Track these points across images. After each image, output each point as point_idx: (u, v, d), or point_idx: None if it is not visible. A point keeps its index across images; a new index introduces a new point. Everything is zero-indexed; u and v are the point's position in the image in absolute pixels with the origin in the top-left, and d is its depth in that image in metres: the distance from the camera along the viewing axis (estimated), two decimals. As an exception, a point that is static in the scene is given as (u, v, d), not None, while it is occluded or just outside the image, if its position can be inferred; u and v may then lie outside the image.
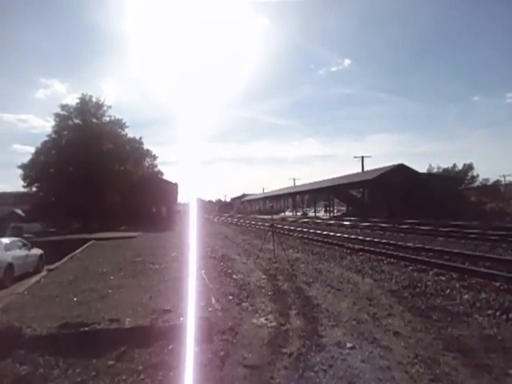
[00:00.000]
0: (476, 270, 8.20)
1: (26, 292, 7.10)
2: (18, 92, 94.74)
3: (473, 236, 15.28)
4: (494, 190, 48.21)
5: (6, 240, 12.03)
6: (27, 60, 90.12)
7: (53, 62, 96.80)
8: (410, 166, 39.75)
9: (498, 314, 5.36)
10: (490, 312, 5.47)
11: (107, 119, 37.71)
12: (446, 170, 56.12)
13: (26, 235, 21.48)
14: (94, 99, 36.84)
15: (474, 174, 55.68)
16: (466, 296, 6.39)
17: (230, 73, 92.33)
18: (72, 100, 74.34)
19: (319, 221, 34.91)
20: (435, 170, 56.18)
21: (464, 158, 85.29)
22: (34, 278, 8.95)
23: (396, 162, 40.05)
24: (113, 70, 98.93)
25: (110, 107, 37.57)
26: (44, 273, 10.05)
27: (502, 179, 56.84)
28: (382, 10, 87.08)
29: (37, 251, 13.71)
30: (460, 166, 56.54)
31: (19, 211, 42.54)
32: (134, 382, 3.50)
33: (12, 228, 27.25)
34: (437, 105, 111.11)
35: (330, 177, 52.97)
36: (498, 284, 6.99)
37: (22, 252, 12.37)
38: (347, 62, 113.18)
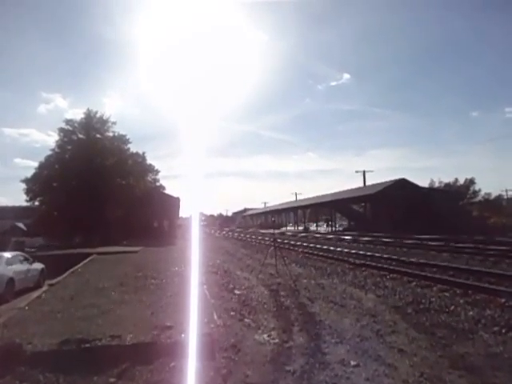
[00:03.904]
0: (480, 285, 8.13)
1: (26, 307, 7.06)
2: (20, 106, 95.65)
3: (476, 252, 15.19)
4: (496, 204, 48.15)
5: (7, 254, 12.02)
6: (29, 74, 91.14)
7: (55, 77, 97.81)
8: (412, 181, 39.85)
9: (503, 331, 5.29)
10: (495, 329, 5.39)
11: (111, 135, 38.05)
12: (447, 185, 56.17)
13: (27, 249, 21.45)
14: (98, 115, 37.29)
15: (476, 188, 55.81)
16: (471, 312, 6.32)
17: (230, 88, 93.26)
18: (73, 115, 75.43)
19: (321, 235, 34.79)
20: (437, 185, 56.24)
21: (465, 173, 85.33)
22: (35, 293, 8.91)
23: (397, 177, 40.16)
24: (115, 84, 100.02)
25: (114, 123, 37.95)
26: (45, 288, 10.02)
27: (504, 194, 56.83)
28: (380, 26, 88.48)
29: (38, 266, 13.66)
30: (462, 181, 56.69)
31: (21, 225, 42.56)
32: (135, 401, 3.45)
33: (14, 242, 27.23)
34: (437, 120, 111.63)
35: (331, 191, 53.03)
36: (503, 300, 6.91)
37: (24, 266, 12.33)
38: (346, 76, 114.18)
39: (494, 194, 54.82)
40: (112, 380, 3.86)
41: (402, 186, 38.04)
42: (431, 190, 46.03)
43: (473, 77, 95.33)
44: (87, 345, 4.59)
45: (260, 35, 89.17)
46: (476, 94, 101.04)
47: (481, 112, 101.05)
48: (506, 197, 56.62)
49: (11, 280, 10.87)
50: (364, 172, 51.08)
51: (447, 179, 57.83)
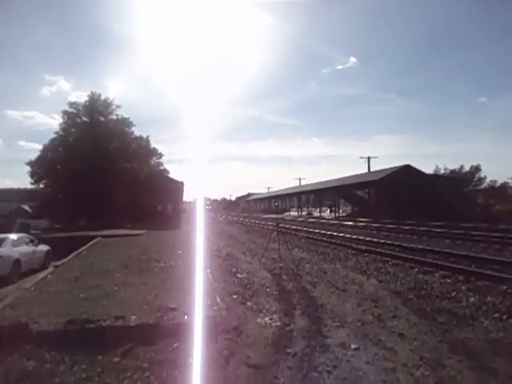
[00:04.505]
0: (482, 272, 8.14)
1: (32, 288, 7.17)
2: (23, 89, 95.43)
3: (479, 238, 15.16)
4: (501, 192, 47.71)
5: (13, 236, 12.15)
6: (32, 57, 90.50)
7: (58, 59, 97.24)
8: (417, 167, 39.56)
9: (504, 317, 5.32)
10: (496, 315, 5.42)
11: (114, 118, 37.89)
12: (453, 172, 55.79)
13: (33, 231, 21.68)
14: (102, 97, 37.06)
15: (482, 175, 55.42)
16: (472, 299, 6.35)
17: (235, 71, 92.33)
18: (77, 97, 74.88)
19: (324, 221, 34.85)
20: (442, 172, 55.91)
21: (471, 160, 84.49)
22: (41, 274, 9.03)
23: (403, 163, 39.86)
24: (118, 67, 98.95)
25: (118, 106, 37.72)
26: (50, 269, 10.14)
27: (510, 181, 56.25)
28: (388, 8, 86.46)
29: (43, 247, 13.83)
30: (467, 168, 56.27)
31: (26, 207, 42.92)
32: (138, 379, 3.53)
33: (19, 224, 27.48)
34: (444, 106, 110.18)
35: (335, 177, 52.84)
36: (504, 287, 6.93)
37: (29, 248, 12.49)
38: (353, 60, 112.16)
39: (500, 181, 54.40)
40: (116, 359, 3.94)
41: (407, 173, 37.76)
42: (436, 177, 45.75)
43: (481, 62, 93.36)
44: (92, 325, 4.66)
45: (265, 18, 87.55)
46: (484, 80, 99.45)
47: (489, 98, 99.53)
48: (511, 184, 56.13)
49: (17, 261, 11.03)
50: (369, 158, 50.69)
51: (453, 166, 57.46)
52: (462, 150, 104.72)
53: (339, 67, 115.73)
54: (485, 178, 55.11)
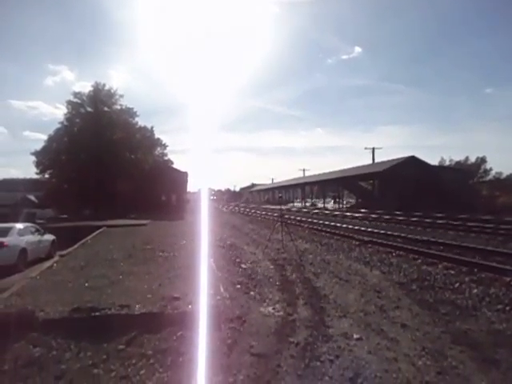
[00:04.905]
0: (486, 264, 8.12)
1: (38, 277, 7.26)
2: (27, 79, 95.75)
3: (486, 230, 15.10)
4: (506, 184, 47.34)
5: (19, 225, 12.25)
6: (36, 46, 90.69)
7: (61, 49, 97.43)
8: (422, 159, 39.27)
9: (507, 309, 5.32)
10: (499, 307, 5.43)
11: (118, 108, 37.83)
12: (458, 163, 55.43)
13: (38, 221, 21.85)
14: (106, 88, 36.98)
15: (487, 167, 55.07)
16: (476, 290, 6.34)
17: (239, 61, 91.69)
18: (80, 87, 74.84)
19: (328, 212, 34.83)
20: (447, 163, 55.61)
21: (478, 151, 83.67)
22: (47, 263, 9.13)
23: (407, 154, 39.59)
24: (121, 57, 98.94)
25: (121, 96, 37.66)
26: (56, 258, 10.26)
27: (516, 173, 55.77)
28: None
29: (49, 237, 13.95)
30: (473, 159, 55.89)
31: (32, 197, 43.22)
32: (143, 367, 3.58)
33: (25, 214, 27.68)
34: (449, 96, 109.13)
35: (339, 168, 52.64)
36: (508, 279, 6.92)
37: (35, 237, 12.60)
38: (358, 50, 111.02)
39: (506, 173, 54.01)
40: (121, 347, 4.00)
41: (412, 164, 37.50)
42: (441, 169, 45.44)
43: (487, 53, 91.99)
44: (97, 313, 4.72)
45: (270, 7, 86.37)
46: (490, 71, 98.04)
47: (495, 89, 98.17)
48: (517, 176, 55.63)
49: (24, 250, 11.15)
50: (373, 149, 50.30)
51: (458, 157, 57.12)
52: (469, 142, 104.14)
53: (344, 57, 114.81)
54: (490, 169, 54.90)
